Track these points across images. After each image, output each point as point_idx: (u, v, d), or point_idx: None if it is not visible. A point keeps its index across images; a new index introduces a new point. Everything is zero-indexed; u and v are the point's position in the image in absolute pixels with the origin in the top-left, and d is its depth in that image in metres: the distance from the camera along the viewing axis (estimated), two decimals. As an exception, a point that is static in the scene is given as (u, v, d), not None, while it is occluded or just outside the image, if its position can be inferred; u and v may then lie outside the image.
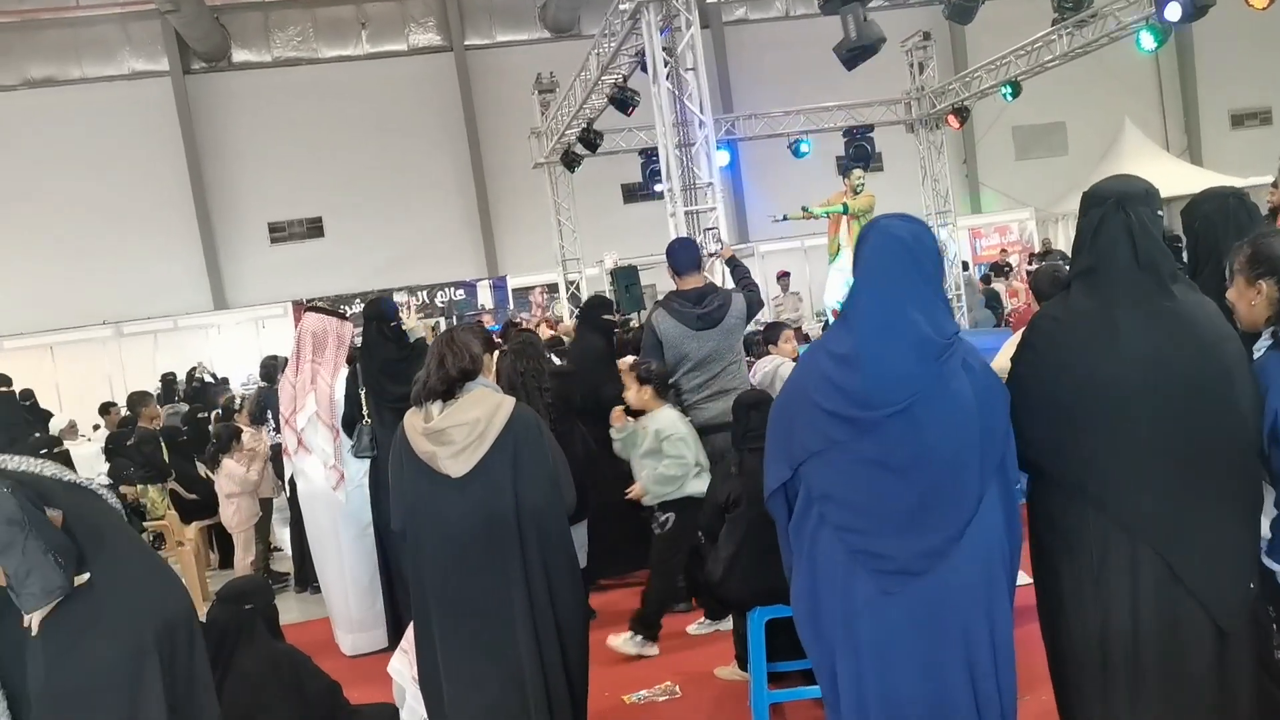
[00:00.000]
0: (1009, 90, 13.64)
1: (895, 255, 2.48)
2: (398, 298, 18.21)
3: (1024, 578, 2.59)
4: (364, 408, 5.42)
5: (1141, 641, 2.40)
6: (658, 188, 10.95)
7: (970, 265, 17.33)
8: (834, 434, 2.43)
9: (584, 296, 15.88)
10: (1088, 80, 20.27)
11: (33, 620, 2.73)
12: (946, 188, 15.21)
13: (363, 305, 7.83)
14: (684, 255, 5.47)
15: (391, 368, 5.38)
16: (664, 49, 8.54)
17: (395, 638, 5.05)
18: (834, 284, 10.16)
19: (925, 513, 2.38)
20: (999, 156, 23.79)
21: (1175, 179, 17.76)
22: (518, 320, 10.84)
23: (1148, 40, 11.33)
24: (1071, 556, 2.49)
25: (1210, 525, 2.39)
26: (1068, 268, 2.79)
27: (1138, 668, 2.41)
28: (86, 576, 2.80)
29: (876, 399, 2.39)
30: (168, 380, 14.57)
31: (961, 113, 14.55)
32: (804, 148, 14.62)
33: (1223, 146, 24.06)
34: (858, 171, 10.49)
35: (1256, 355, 2.72)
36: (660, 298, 5.73)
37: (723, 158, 12.59)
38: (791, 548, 2.60)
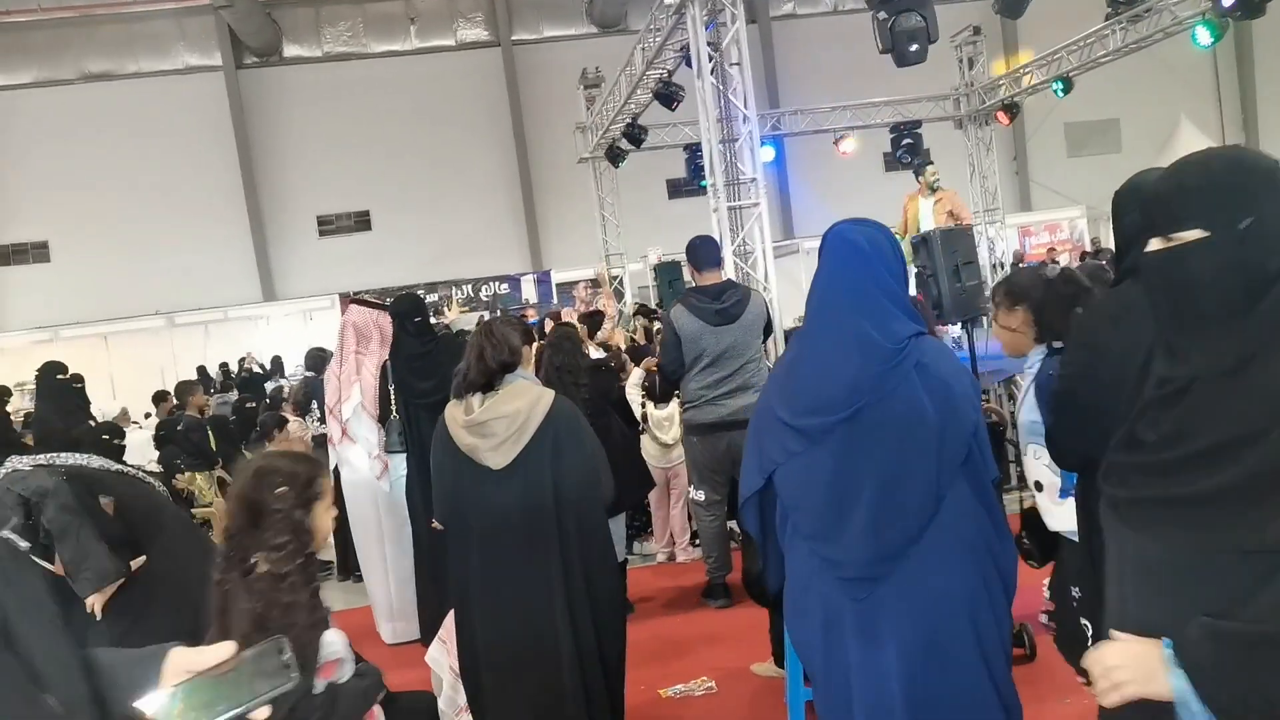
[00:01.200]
0: (1060, 86, 13.41)
1: (846, 261, 2.48)
2: (440, 291, 18.38)
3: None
4: (392, 403, 5.46)
5: None
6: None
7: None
8: (791, 445, 2.45)
9: (627, 292, 15.92)
10: (1143, 76, 19.87)
11: (95, 605, 2.80)
12: (995, 185, 15.00)
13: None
14: (704, 252, 5.50)
15: (415, 363, 5.41)
16: (709, 44, 8.49)
17: (425, 629, 5.09)
18: None
19: (880, 517, 2.34)
20: (1050, 153, 23.45)
21: (1232, 177, 17.37)
22: (558, 313, 10.87)
23: (1204, 35, 11.06)
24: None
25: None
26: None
27: None
28: (144, 559, 2.87)
29: (823, 405, 2.39)
30: (202, 371, 14.94)
31: (1011, 109, 14.31)
32: (848, 145, 14.49)
33: (1282, 144, 23.55)
34: (931, 168, 10.30)
35: (1031, 370, 3.09)
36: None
37: (767, 153, 12.52)
38: (764, 555, 2.63)
